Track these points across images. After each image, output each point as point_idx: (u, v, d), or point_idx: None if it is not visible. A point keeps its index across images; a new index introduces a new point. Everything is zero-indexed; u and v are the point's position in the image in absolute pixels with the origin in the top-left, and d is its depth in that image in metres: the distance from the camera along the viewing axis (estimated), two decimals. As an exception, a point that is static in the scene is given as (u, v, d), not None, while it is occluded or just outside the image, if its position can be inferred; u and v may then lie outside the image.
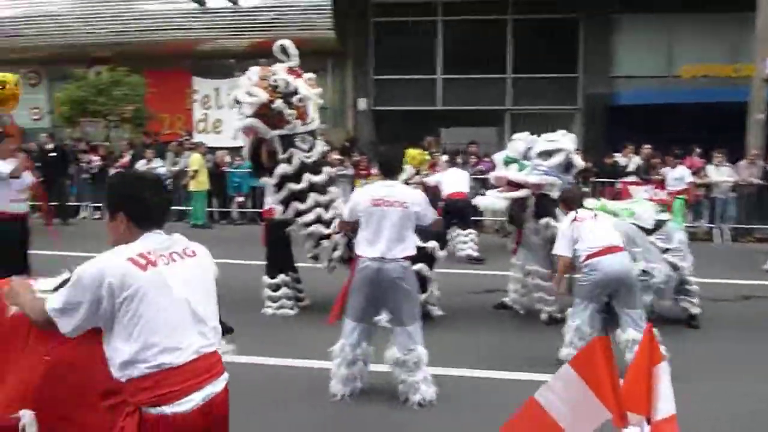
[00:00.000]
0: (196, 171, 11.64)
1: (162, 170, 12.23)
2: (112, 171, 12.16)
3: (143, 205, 1.95)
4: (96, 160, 12.56)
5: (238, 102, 5.43)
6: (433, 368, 4.01)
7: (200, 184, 11.72)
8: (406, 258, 3.90)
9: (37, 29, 14.89)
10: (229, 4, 14.34)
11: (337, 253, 5.61)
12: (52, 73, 16.99)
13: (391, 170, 4.12)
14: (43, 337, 1.95)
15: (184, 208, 12.12)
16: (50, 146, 12.29)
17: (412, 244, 3.97)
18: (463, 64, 15.11)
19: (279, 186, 5.58)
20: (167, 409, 1.75)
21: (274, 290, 5.97)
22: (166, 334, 1.80)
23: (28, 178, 5.97)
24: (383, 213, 3.83)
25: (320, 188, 5.66)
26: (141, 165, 12.04)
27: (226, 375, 1.97)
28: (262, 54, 6.33)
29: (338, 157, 11.82)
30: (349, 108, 15.86)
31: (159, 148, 13.30)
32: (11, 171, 5.61)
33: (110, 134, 14.39)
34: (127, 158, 12.51)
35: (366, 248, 3.87)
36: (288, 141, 5.48)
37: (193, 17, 14.69)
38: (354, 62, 15.69)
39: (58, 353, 1.95)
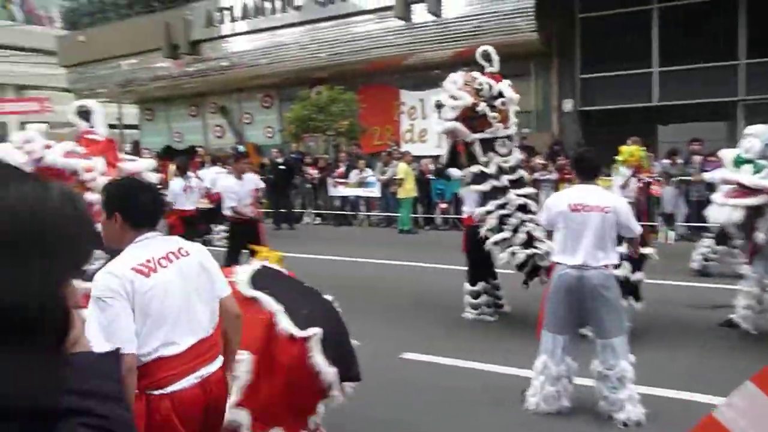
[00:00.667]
0: (402, 179, 12.29)
1: (372, 179, 13.14)
2: (330, 181, 13.41)
3: (137, 208, 2.11)
4: (315, 172, 13.93)
5: (439, 106, 5.51)
6: (641, 387, 3.74)
7: (407, 191, 12.33)
8: (608, 266, 3.71)
9: (271, 58, 17.01)
10: (433, 18, 14.87)
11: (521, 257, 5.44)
12: (283, 95, 19.26)
13: (589, 173, 3.90)
14: None
15: (392, 214, 12.86)
16: (279, 160, 13.94)
17: (614, 252, 3.75)
18: (682, 55, 13.68)
19: (476, 184, 5.56)
20: (168, 389, 1.98)
21: (475, 297, 6.06)
22: (166, 331, 2.01)
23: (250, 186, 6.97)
24: (583, 219, 3.68)
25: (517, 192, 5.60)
26: (354, 175, 13.07)
27: (221, 358, 2.17)
28: (466, 63, 6.49)
29: (542, 161, 11.54)
30: (553, 110, 15.36)
31: (369, 159, 14.34)
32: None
33: (328, 147, 15.87)
34: (342, 168, 13.68)
35: (565, 255, 3.74)
36: (488, 144, 5.49)
37: (399, 34, 15.52)
38: (559, 63, 15.15)
39: None
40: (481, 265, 6.06)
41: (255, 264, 2.98)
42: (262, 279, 2.80)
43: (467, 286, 6.11)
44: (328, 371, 2.59)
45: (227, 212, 6.91)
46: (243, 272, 2.76)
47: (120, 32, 19.30)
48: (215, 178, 11.88)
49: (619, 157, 8.94)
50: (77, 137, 2.33)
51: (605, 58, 14.45)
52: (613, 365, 3.61)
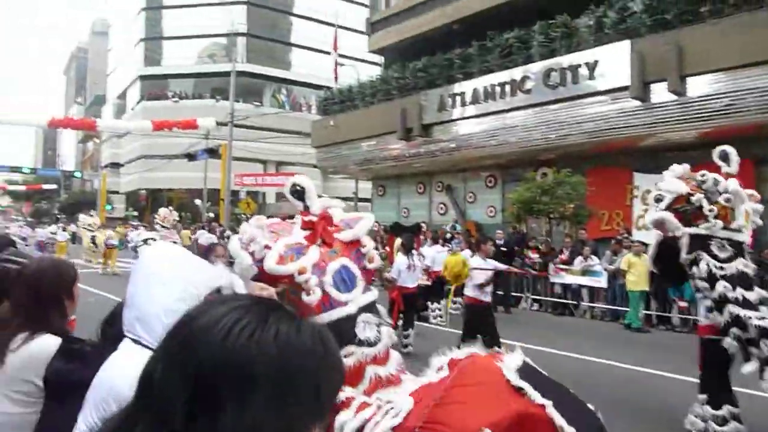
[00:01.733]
0: (630, 270, 11.28)
1: (598, 267, 12.30)
2: (552, 266, 12.89)
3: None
4: (536, 256, 13.53)
5: (658, 200, 5.03)
6: None
7: (637, 284, 11.26)
8: None
9: (498, 140, 17.34)
10: (674, 97, 13.85)
11: None
12: (505, 175, 19.43)
13: None
14: None
15: (619, 308, 11.82)
16: (500, 241, 13.85)
17: None
18: None
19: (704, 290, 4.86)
20: None
21: (720, 424, 5.12)
22: None
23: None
24: None
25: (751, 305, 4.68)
26: (578, 261, 12.39)
27: None
28: (711, 144, 5.82)
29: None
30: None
31: (595, 245, 13.50)
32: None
33: (551, 230, 15.38)
34: (565, 254, 13.09)
35: None
36: (699, 242, 4.77)
37: (635, 114, 14.71)
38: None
39: None
40: (716, 384, 5.14)
41: (519, 355, 2.90)
42: (525, 371, 2.73)
43: (709, 410, 5.20)
44: None
45: (471, 293, 6.91)
46: (512, 360, 2.68)
47: (363, 117, 21.51)
48: (436, 256, 12.27)
49: None
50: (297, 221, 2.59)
51: None
52: None
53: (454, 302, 11.43)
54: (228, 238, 20.35)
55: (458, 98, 18.23)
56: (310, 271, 2.22)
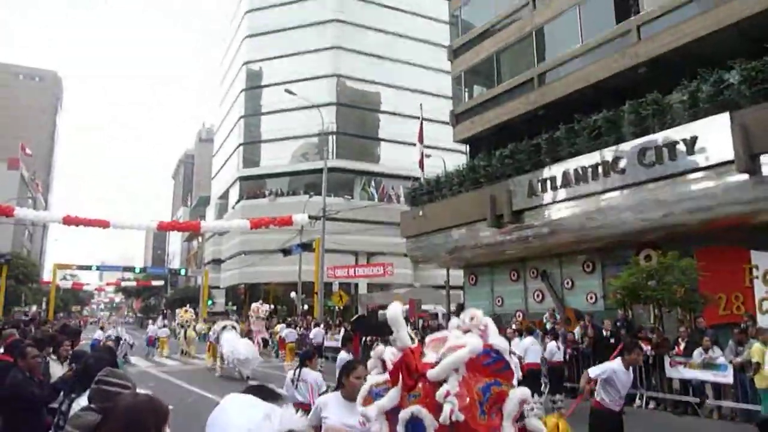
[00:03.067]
0: (759, 363, 10.01)
1: (721, 360, 11.07)
2: (667, 359, 11.75)
3: None
4: (648, 348, 12.39)
5: None
6: None
7: (766, 379, 9.94)
8: None
9: (594, 223, 16.61)
10: (790, 168, 12.79)
11: None
12: (604, 259, 18.45)
13: None
14: None
15: (751, 406, 10.44)
16: (607, 332, 12.89)
17: None
18: None
19: None
20: None
21: None
22: None
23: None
24: None
25: None
26: (697, 354, 11.22)
27: None
28: None
29: None
30: None
31: (715, 333, 12.23)
32: None
33: (662, 318, 14.18)
34: (682, 345, 11.92)
35: None
36: None
37: (744, 189, 13.69)
38: None
39: None
40: None
41: None
42: None
43: None
44: None
45: (603, 400, 6.08)
46: None
47: (451, 206, 21.50)
48: (528, 348, 11.61)
49: None
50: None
51: None
52: None
53: (553, 401, 10.69)
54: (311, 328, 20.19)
55: (548, 182, 17.85)
56: (374, 419, 2.18)
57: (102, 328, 26.14)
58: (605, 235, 16.74)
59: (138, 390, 3.28)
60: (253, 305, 24.24)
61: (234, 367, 17.53)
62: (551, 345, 12.76)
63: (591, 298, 18.47)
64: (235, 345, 17.38)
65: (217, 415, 2.23)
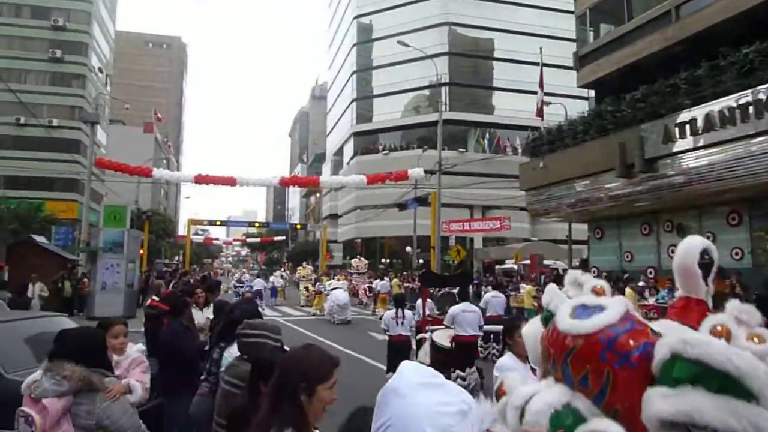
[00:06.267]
0: None
1: None
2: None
3: None
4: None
5: None
6: None
7: None
8: None
9: (742, 170, 15.03)
10: None
11: None
12: (753, 210, 16.73)
13: None
14: None
15: None
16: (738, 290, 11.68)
17: None
18: None
19: None
20: None
21: None
22: None
23: None
24: None
25: None
26: None
27: None
28: None
29: None
30: None
31: None
32: None
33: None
34: None
35: None
36: None
37: None
38: None
39: None
40: None
41: None
42: None
43: None
44: None
45: None
46: None
47: (575, 156, 20.41)
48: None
49: None
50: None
51: None
52: None
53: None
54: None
55: (687, 127, 16.32)
56: None
57: (258, 276, 30.94)
58: (754, 184, 15.10)
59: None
60: (354, 261, 27.66)
61: (332, 314, 20.85)
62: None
63: (736, 253, 16.90)
64: (336, 294, 21.29)
65: (396, 395, 1.61)
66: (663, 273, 18.13)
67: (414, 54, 39.66)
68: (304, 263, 38.40)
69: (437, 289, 18.91)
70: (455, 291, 15.18)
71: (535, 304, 17.51)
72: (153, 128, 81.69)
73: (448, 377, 8.37)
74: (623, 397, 1.44)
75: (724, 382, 1.31)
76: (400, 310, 9.87)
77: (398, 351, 9.61)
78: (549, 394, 1.53)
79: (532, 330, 1.74)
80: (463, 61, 53.60)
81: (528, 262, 23.97)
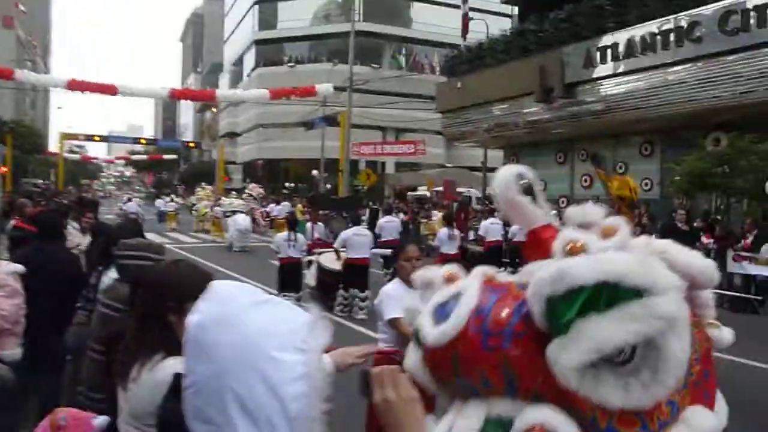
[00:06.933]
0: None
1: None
2: (730, 253, 11.61)
3: None
4: (711, 241, 12.19)
5: None
6: None
7: None
8: None
9: (657, 101, 15.86)
10: None
11: None
12: (666, 142, 17.86)
13: None
14: None
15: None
16: (682, 224, 12.28)
17: None
18: None
19: None
20: None
21: None
22: None
23: None
24: None
25: None
26: (766, 249, 11.04)
27: None
28: None
29: None
30: None
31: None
32: None
33: (728, 209, 13.88)
34: (749, 239, 11.70)
35: None
36: None
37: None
38: None
39: None
40: None
41: None
42: None
43: None
44: None
45: None
46: None
47: (494, 78, 20.68)
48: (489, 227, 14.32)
49: None
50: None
51: None
52: None
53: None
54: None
55: (609, 52, 16.92)
56: None
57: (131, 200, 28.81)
58: (669, 115, 16.06)
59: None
60: (249, 186, 27.50)
61: (234, 240, 20.60)
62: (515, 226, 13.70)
63: (646, 184, 18.09)
64: (237, 218, 21.15)
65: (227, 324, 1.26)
66: (575, 202, 19.08)
67: (325, -47, 37.91)
68: (203, 184, 37.28)
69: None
70: (346, 215, 16.72)
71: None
72: (13, 23, 74.24)
73: (333, 299, 8.89)
74: (533, 373, 1.34)
75: (608, 295, 1.24)
76: (292, 233, 10.39)
77: (288, 273, 10.26)
78: (464, 420, 1.42)
79: (412, 360, 1.56)
80: (380, -34, 52.03)
81: (441, 189, 24.52)
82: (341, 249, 10.41)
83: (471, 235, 17.20)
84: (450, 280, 1.63)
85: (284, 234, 10.64)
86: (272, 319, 1.12)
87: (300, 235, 10.72)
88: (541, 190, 1.72)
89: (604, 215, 1.64)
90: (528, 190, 1.68)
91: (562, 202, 19.62)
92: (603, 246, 1.38)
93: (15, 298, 3.70)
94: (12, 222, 7.56)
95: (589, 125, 18.48)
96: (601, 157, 19.55)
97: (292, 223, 10.97)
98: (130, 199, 34.16)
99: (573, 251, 1.35)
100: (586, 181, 20.31)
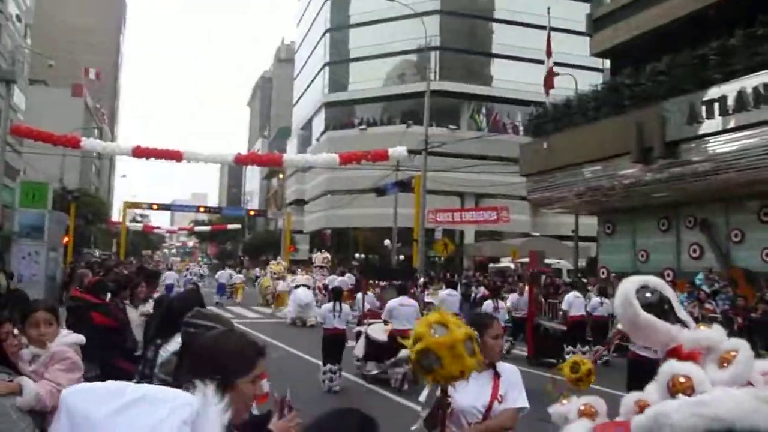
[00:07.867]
0: None
1: None
2: None
3: None
4: None
5: None
6: None
7: None
8: None
9: (775, 159, 15.34)
10: None
11: None
12: (789, 205, 17.09)
13: None
14: None
15: None
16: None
17: None
18: None
19: None
20: None
21: None
22: None
23: None
24: None
25: None
26: None
27: None
28: None
29: None
30: None
31: None
32: None
33: None
34: None
35: None
36: None
37: None
38: None
39: None
40: None
41: None
42: None
43: None
44: None
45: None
46: None
47: (585, 137, 20.60)
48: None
49: None
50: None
51: None
52: None
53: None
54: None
55: (716, 105, 16.57)
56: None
57: (170, 268, 28.82)
58: (791, 175, 15.43)
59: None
60: (316, 256, 27.84)
61: (293, 315, 21.30)
62: (595, 299, 15.09)
63: (767, 255, 17.27)
64: (298, 293, 21.50)
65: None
66: (682, 275, 18.44)
67: (400, 11, 39.55)
68: (278, 258, 38.16)
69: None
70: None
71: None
72: (83, 91, 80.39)
73: (383, 369, 9.09)
74: None
75: None
76: (337, 303, 10.94)
77: (332, 344, 10.76)
78: None
79: None
80: (458, 22, 53.57)
81: (527, 260, 24.18)
82: (388, 320, 11.03)
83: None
84: (586, 414, 1.69)
85: (329, 305, 11.27)
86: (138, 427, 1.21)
87: (345, 306, 11.33)
88: (674, 301, 1.70)
89: (723, 337, 1.58)
90: (654, 306, 1.68)
91: (668, 275, 18.89)
92: (718, 378, 1.36)
93: (74, 372, 3.72)
94: (71, 292, 8.03)
95: (696, 188, 17.97)
96: (712, 223, 18.96)
97: (337, 294, 11.57)
98: (170, 268, 35.33)
99: (676, 389, 1.35)
100: (695, 251, 19.57)
